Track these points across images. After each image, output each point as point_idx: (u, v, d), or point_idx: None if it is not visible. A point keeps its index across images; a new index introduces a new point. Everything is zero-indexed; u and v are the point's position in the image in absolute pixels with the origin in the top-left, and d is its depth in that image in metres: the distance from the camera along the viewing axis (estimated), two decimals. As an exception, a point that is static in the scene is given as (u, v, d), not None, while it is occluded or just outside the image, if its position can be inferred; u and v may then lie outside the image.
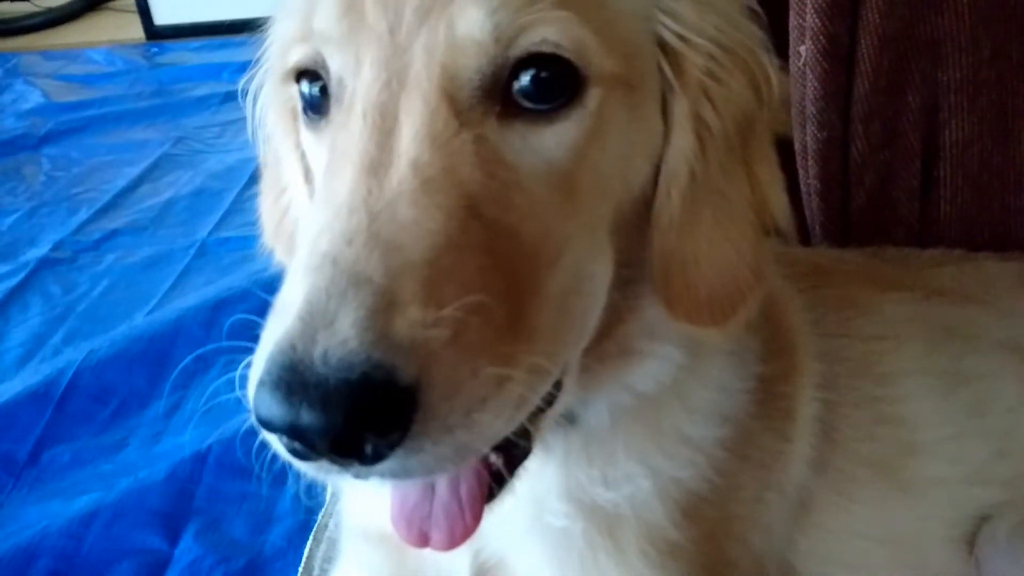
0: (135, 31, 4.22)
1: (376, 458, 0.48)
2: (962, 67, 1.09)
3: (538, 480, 0.74)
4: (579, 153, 0.59)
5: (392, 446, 0.47)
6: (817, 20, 1.05)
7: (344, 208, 0.52)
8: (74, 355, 1.85)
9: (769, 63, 0.65)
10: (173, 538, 1.45)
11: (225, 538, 1.45)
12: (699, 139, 0.63)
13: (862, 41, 1.06)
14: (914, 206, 1.14)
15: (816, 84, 1.08)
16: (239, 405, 0.54)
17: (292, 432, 0.47)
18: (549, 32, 0.56)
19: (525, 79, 0.57)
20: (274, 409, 0.46)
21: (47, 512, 1.51)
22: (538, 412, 0.60)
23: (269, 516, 1.48)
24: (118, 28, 4.34)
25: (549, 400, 0.61)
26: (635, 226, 0.66)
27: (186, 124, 3.13)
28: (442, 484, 0.63)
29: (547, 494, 0.74)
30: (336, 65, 0.60)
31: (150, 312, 2.07)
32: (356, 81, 0.58)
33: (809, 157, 1.13)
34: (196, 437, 1.61)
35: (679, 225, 0.64)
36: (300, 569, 1.09)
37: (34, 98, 3.40)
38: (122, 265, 2.30)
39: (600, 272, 0.63)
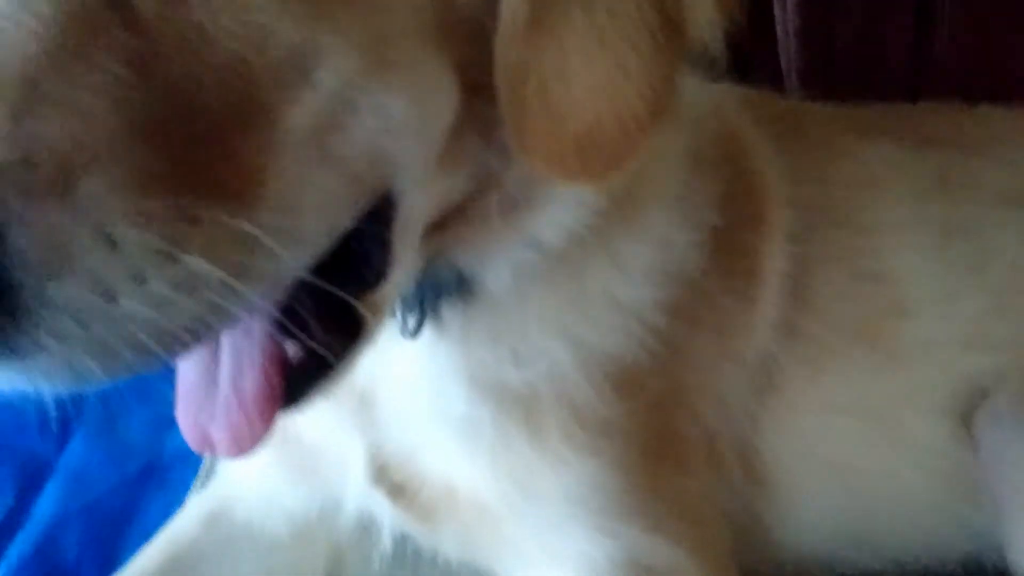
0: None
1: None
2: None
3: (431, 362, 0.66)
4: None
5: None
6: None
7: None
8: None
9: None
10: (60, 440, 1.31)
11: (120, 440, 1.30)
12: None
13: None
14: (907, 44, 1.03)
15: None
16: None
17: None
18: None
19: None
20: None
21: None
22: (363, 288, 0.50)
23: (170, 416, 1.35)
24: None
25: (378, 274, 0.51)
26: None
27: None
28: (224, 379, 0.52)
29: (444, 378, 0.66)
30: None
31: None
32: None
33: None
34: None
35: (526, 30, 0.49)
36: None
37: None
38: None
39: (413, 99, 0.48)
